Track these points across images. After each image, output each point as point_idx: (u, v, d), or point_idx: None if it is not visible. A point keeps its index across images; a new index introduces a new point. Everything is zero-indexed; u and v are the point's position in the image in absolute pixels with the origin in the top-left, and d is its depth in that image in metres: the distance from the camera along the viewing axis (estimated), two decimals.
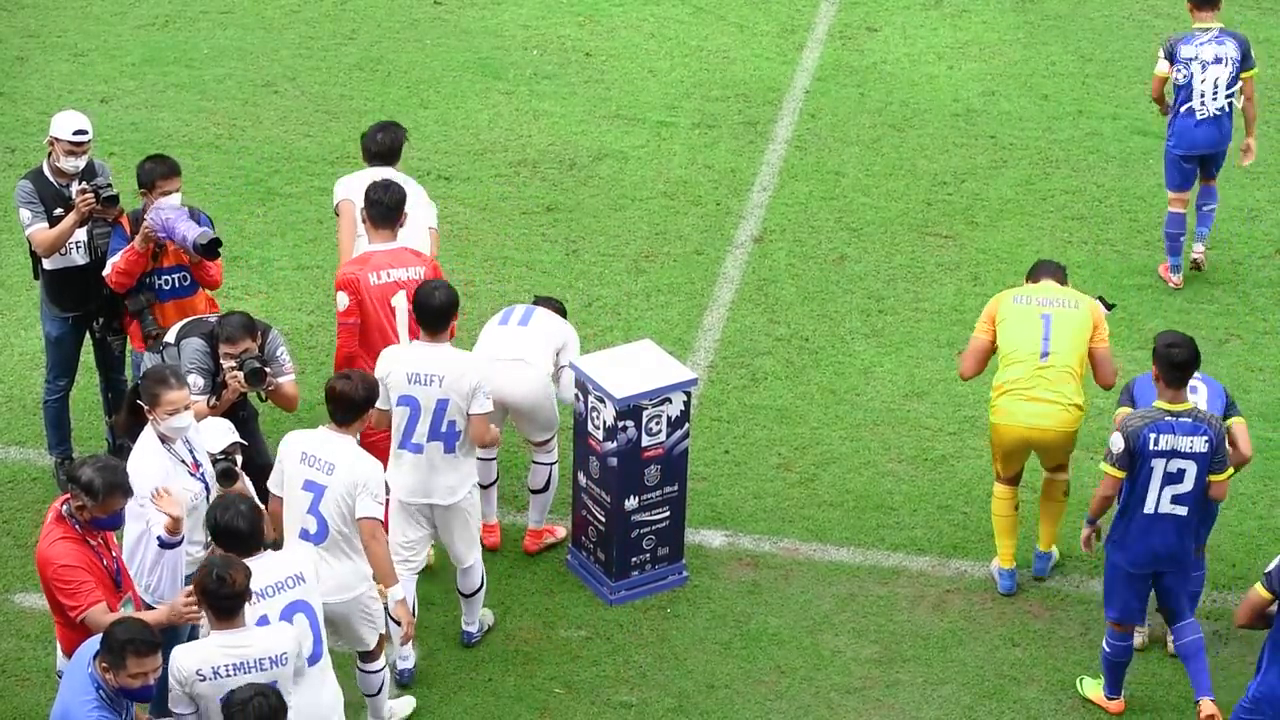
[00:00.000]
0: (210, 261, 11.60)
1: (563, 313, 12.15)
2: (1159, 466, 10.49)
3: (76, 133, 11.77)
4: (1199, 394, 10.88)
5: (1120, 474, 10.55)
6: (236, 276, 14.09)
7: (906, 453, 12.98)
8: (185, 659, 8.92)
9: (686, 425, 11.63)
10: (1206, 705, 10.61)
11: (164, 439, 9.97)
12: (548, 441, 11.94)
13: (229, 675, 8.88)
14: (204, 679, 8.89)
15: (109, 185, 11.81)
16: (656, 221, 15.38)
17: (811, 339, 14.11)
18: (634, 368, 11.61)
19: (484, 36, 17.06)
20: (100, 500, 9.30)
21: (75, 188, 11.79)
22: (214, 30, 18.05)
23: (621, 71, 17.62)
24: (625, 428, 11.40)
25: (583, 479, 11.77)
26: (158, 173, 11.63)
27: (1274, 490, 12.68)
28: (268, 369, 10.95)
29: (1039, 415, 11.40)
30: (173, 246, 11.59)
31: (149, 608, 9.65)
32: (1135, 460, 10.50)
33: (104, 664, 8.69)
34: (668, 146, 16.45)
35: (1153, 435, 10.46)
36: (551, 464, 11.98)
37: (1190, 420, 10.48)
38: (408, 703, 10.96)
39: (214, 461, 10.33)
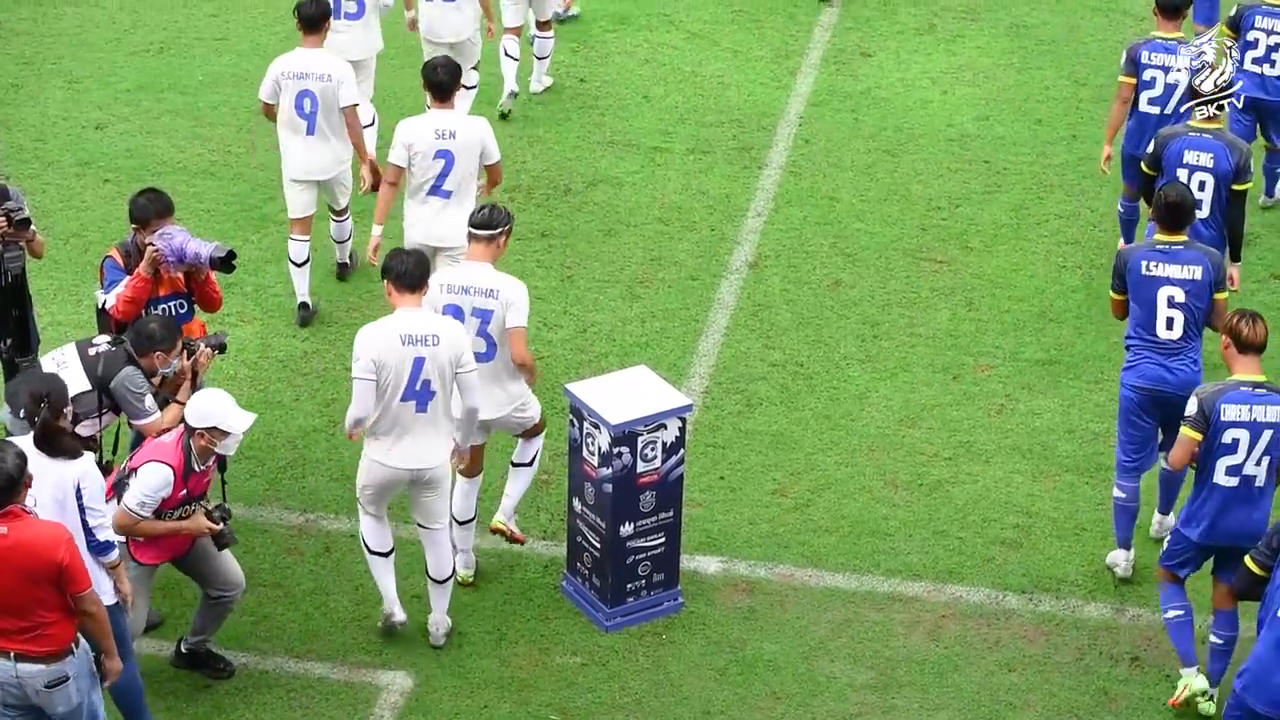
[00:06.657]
0: (227, 274, 11.71)
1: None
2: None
3: None
4: None
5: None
6: (231, 303, 14.08)
7: (902, 478, 12.97)
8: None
9: (682, 451, 11.62)
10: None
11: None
12: None
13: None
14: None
15: (20, 209, 11.83)
16: (651, 247, 15.38)
17: (806, 364, 14.11)
18: (629, 394, 11.61)
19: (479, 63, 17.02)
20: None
21: None
22: (209, 56, 18.06)
23: (616, 97, 17.63)
24: (620, 454, 11.39)
25: (578, 505, 11.77)
26: (152, 211, 11.64)
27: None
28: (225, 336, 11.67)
29: None
30: (168, 275, 11.61)
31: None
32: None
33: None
34: (662, 172, 16.46)
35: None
36: None
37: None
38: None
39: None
